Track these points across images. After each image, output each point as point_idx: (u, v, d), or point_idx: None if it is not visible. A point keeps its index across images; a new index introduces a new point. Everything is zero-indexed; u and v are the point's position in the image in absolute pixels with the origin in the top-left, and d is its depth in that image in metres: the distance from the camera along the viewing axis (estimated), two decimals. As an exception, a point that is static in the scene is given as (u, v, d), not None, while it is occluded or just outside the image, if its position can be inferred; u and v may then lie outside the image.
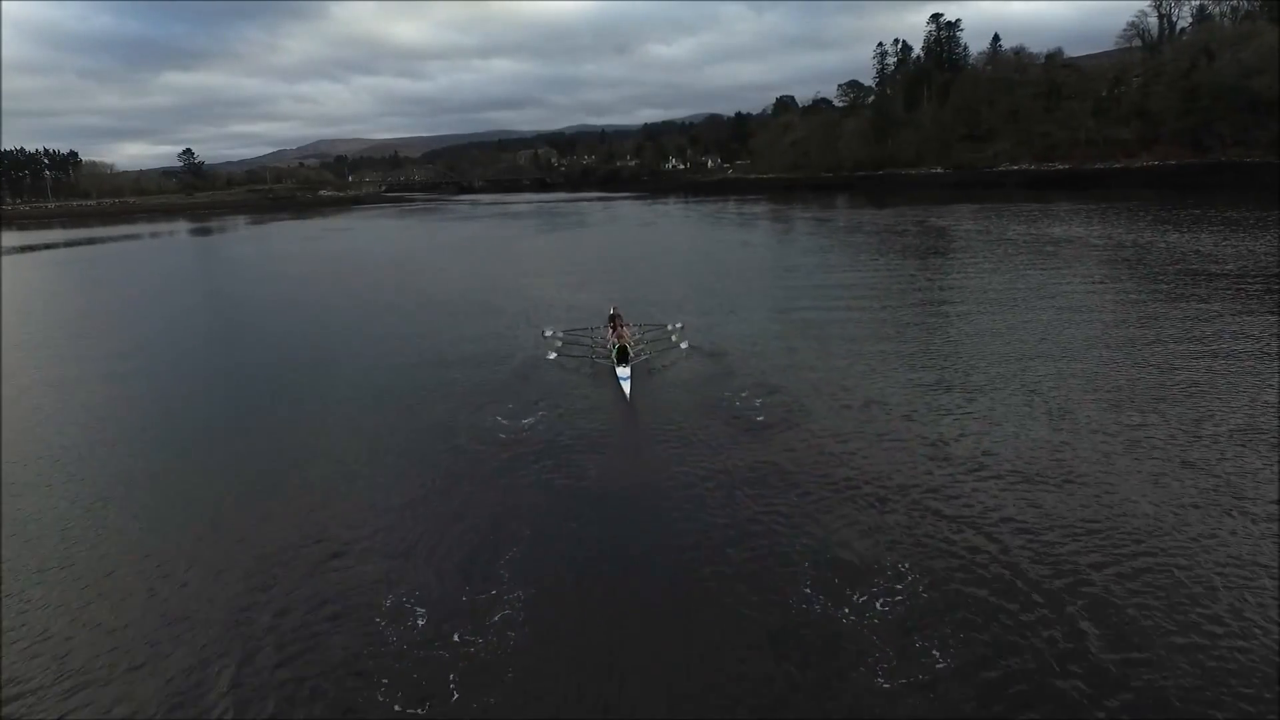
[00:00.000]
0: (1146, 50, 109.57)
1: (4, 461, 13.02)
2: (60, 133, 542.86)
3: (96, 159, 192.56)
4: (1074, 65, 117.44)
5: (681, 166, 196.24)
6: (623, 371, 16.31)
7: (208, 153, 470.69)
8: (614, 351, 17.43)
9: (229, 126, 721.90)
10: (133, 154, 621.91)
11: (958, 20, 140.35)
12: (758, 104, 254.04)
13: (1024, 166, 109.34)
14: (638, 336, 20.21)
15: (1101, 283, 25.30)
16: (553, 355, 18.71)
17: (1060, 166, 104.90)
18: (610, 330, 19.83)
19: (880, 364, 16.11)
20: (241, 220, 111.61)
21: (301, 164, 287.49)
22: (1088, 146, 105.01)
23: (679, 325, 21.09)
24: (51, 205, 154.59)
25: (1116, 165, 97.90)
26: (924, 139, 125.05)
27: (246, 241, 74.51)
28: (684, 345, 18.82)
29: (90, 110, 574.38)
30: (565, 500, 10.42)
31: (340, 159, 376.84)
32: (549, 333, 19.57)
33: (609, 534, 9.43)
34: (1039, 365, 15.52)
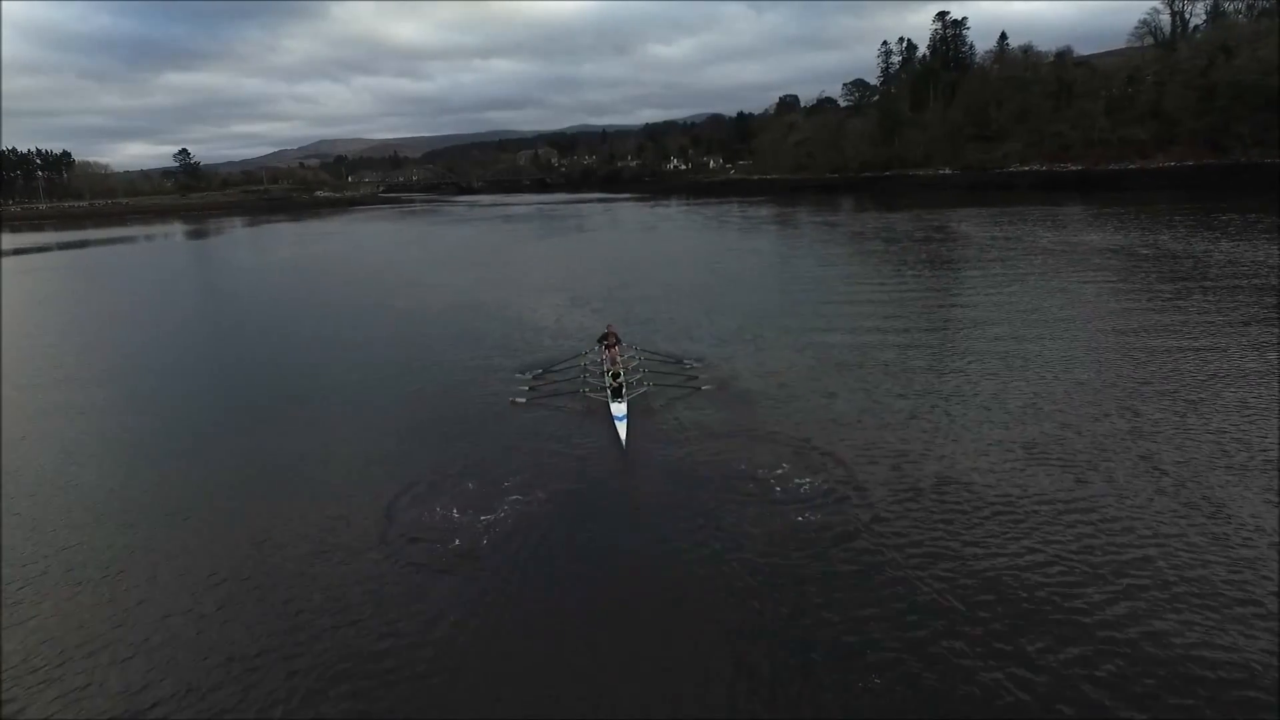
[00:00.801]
0: (1162, 48, 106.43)
1: (3, 468, 13.12)
2: (62, 133, 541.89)
3: (96, 159, 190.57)
4: (1087, 63, 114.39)
5: (683, 167, 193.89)
6: (618, 409, 13.57)
7: (210, 153, 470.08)
8: (607, 375, 14.91)
9: (230, 126, 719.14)
10: (134, 154, 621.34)
11: (964, 18, 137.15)
12: (758, 104, 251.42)
13: (1036, 167, 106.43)
14: (637, 363, 17.41)
15: (1173, 299, 22.28)
16: (523, 399, 15.71)
17: (1073, 167, 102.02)
18: (604, 351, 17.22)
19: (944, 418, 13.09)
20: (234, 223, 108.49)
21: (301, 164, 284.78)
22: (1101, 147, 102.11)
23: (696, 362, 18.05)
24: (43, 206, 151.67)
25: (1132, 166, 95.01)
26: (932, 139, 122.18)
27: (230, 247, 71.46)
28: (705, 388, 15.87)
29: (91, 110, 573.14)
30: (532, 635, 7.48)
31: (340, 159, 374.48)
32: (525, 387, 16.39)
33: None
34: (1149, 422, 12.44)
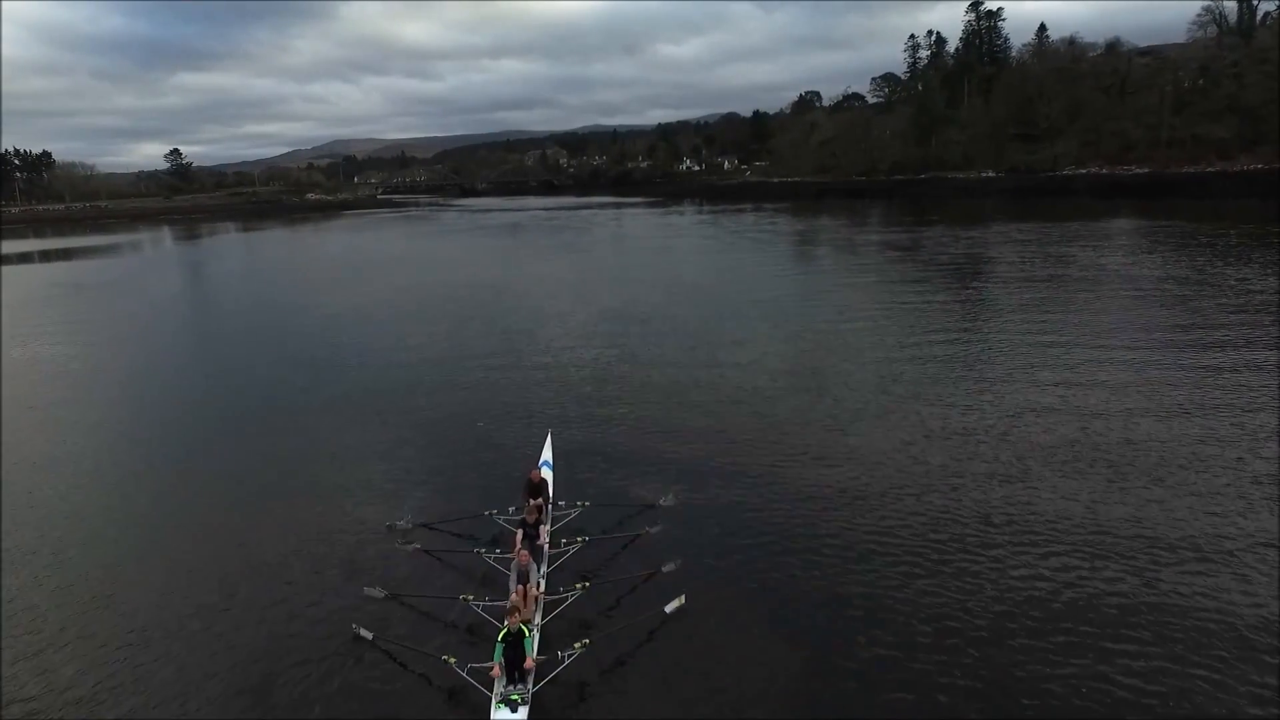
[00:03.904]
0: (1240, 37, 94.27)
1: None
2: (78, 133, 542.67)
3: (83, 160, 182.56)
4: (1153, 53, 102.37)
5: (696, 168, 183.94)
6: None
7: (225, 153, 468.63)
8: (505, 625, 7.44)
9: (244, 127, 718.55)
10: (149, 154, 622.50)
11: (1000, 9, 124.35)
12: (771, 104, 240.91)
13: (1094, 170, 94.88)
14: (579, 548, 9.92)
15: None
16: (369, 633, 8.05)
17: (1138, 170, 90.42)
18: (518, 534, 9.75)
19: None
20: (197, 231, 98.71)
21: (311, 164, 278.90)
22: (1170, 147, 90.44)
23: (665, 501, 11.00)
24: (15, 210, 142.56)
25: (1210, 169, 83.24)
26: (971, 138, 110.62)
27: (153, 271, 61.21)
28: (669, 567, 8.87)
29: (106, 111, 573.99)
30: None
31: (349, 159, 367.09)
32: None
33: None
34: None
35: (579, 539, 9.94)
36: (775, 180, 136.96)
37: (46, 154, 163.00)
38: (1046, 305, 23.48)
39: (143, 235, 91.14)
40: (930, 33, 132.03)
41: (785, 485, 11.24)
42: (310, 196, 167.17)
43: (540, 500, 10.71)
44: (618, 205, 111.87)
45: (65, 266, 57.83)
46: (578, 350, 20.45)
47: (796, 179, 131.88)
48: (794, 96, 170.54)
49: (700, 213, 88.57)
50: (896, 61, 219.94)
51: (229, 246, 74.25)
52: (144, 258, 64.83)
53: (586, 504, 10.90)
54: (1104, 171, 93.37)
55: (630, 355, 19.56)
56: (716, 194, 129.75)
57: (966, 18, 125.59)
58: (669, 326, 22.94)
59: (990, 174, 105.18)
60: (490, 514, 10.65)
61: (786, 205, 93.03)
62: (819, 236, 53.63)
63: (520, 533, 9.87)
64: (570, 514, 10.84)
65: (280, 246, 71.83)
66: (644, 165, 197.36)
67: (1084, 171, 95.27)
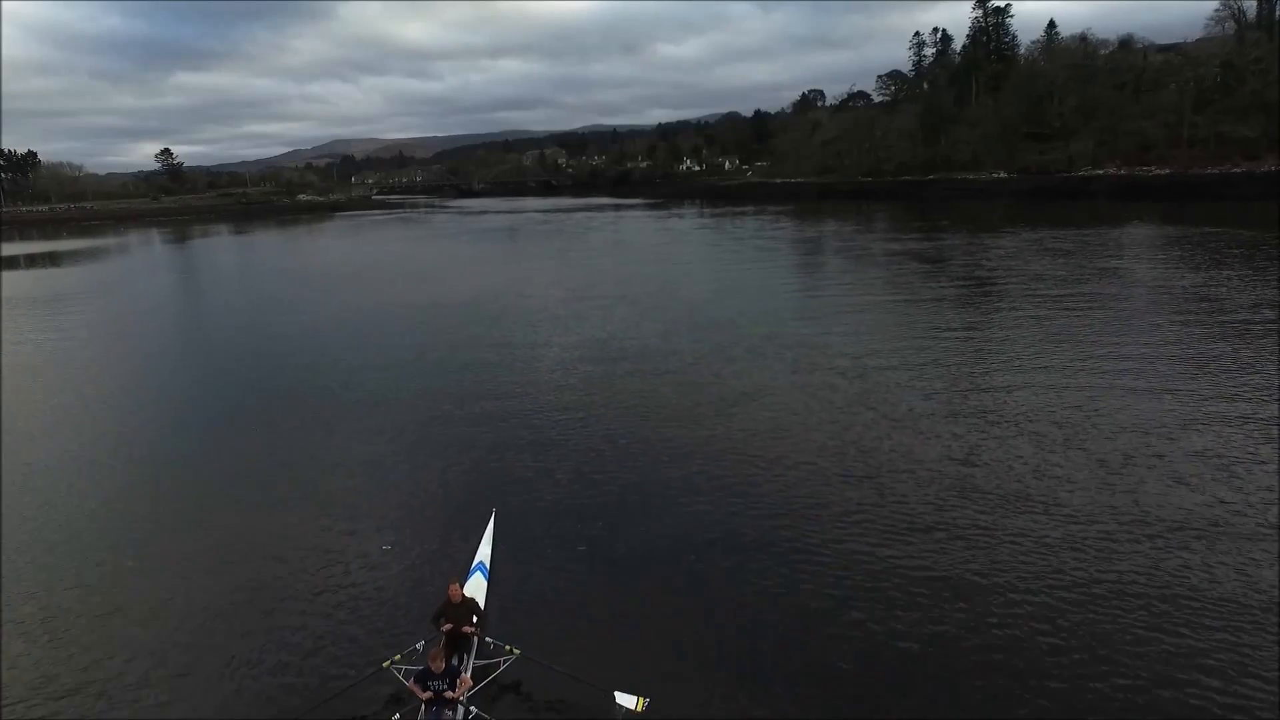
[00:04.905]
0: (1263, 31, 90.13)
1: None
2: (76, 133, 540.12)
3: (87, 160, 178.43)
4: (1174, 50, 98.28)
5: (696, 168, 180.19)
6: None
7: (225, 152, 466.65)
8: None
9: (244, 126, 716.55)
10: (149, 154, 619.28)
11: (1007, 5, 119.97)
12: (771, 104, 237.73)
13: (1111, 171, 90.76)
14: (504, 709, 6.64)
15: None
16: None
17: (1159, 171, 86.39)
18: (422, 694, 6.50)
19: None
20: (162, 236, 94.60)
21: (310, 164, 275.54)
22: (1193, 147, 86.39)
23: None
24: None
25: (1236, 170, 79.30)
26: (981, 138, 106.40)
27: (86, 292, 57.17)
28: None
29: (105, 110, 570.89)
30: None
31: (347, 159, 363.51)
32: None
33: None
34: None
35: (507, 669, 6.53)
36: (778, 181, 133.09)
37: (32, 154, 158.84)
38: (1141, 343, 18.73)
39: (111, 240, 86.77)
40: (936, 30, 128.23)
41: (846, 669, 7.19)
42: (302, 198, 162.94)
43: (460, 628, 7.20)
44: (616, 207, 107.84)
45: (39, 274, 53.78)
46: (546, 398, 16.43)
47: (799, 179, 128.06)
48: (795, 96, 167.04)
49: (701, 215, 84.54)
50: (896, 61, 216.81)
51: (202, 253, 70.23)
52: (93, 270, 60.72)
53: (518, 652, 7.09)
54: (1122, 172, 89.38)
55: (614, 410, 15.51)
56: (717, 195, 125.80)
57: (974, 14, 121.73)
58: (664, 365, 18.88)
59: (1001, 175, 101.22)
60: (389, 664, 6.96)
61: (790, 208, 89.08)
62: (830, 245, 49.57)
63: (425, 692, 6.40)
64: (497, 664, 7.07)
65: (256, 253, 67.85)
66: (644, 165, 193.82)
67: (1101, 172, 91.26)
